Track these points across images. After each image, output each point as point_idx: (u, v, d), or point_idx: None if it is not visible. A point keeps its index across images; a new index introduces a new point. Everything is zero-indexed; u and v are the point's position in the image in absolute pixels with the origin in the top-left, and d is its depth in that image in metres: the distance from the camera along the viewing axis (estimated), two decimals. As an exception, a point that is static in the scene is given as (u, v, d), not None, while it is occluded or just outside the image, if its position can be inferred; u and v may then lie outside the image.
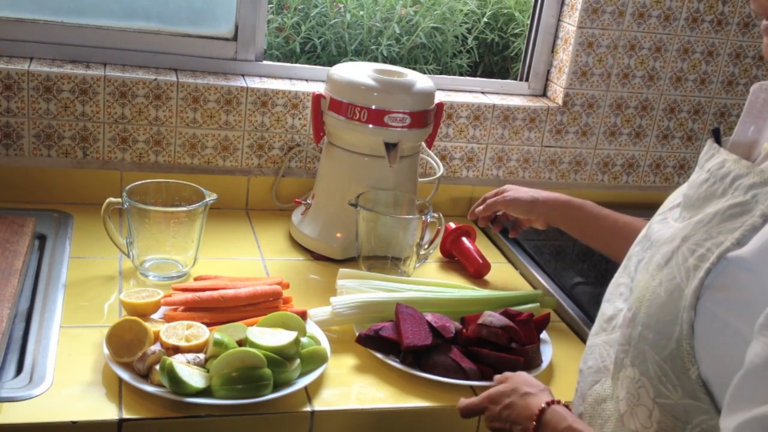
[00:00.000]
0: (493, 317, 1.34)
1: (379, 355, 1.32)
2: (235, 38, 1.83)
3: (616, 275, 1.07)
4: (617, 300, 1.03)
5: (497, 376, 1.16)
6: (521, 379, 1.12)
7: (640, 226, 1.29)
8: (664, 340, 0.89)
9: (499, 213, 1.65)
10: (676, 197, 1.05)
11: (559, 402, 1.04)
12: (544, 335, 1.43)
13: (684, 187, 1.03)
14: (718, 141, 1.01)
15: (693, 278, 0.87)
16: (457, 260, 1.73)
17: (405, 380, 1.30)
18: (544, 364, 1.35)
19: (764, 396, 0.77)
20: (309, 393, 1.23)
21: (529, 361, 1.32)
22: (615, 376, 0.99)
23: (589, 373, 1.05)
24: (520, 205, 1.58)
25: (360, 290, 1.44)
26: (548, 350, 1.39)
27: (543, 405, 1.04)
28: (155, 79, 1.72)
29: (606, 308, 1.05)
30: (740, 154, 0.97)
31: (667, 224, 1.01)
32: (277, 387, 1.18)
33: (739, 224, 0.86)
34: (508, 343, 1.32)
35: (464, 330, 1.36)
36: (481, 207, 1.64)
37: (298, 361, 1.21)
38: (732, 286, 0.84)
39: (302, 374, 1.22)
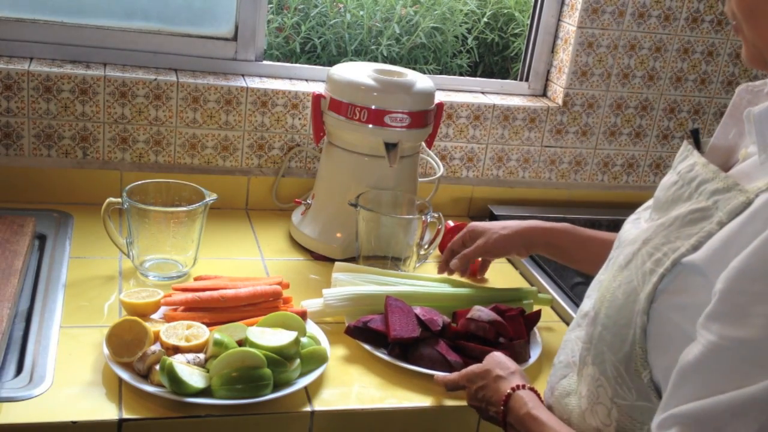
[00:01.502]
0: (481, 312, 1.35)
1: (368, 347, 1.33)
2: (235, 38, 1.83)
3: (599, 272, 1.07)
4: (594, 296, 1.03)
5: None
6: (494, 361, 1.15)
7: None
8: (620, 342, 0.89)
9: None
10: (651, 198, 1.05)
11: (524, 386, 1.07)
12: (534, 331, 1.43)
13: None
14: (697, 141, 1.00)
15: (647, 283, 0.87)
16: (457, 260, 1.73)
17: (392, 372, 1.30)
18: (532, 360, 1.36)
19: (693, 395, 0.78)
20: (309, 393, 1.23)
21: (517, 357, 1.33)
22: (579, 372, 1.00)
23: (560, 367, 1.06)
24: (499, 246, 1.46)
25: (353, 283, 1.45)
26: (537, 346, 1.40)
27: (509, 391, 1.07)
28: (155, 79, 1.72)
29: (585, 304, 1.06)
30: (719, 158, 0.96)
31: (638, 225, 1.01)
32: (277, 387, 1.18)
33: (697, 230, 0.85)
34: (496, 338, 1.33)
35: (453, 324, 1.37)
36: (455, 261, 1.51)
37: (298, 361, 1.21)
38: (685, 291, 0.84)
39: (302, 374, 1.22)
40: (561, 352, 1.08)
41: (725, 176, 0.87)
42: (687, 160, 0.96)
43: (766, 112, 0.86)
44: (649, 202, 1.03)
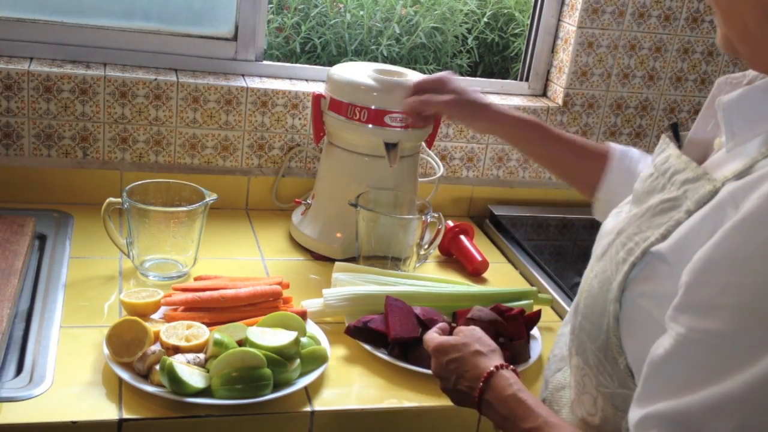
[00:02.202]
0: (481, 312, 1.35)
1: (368, 347, 1.33)
2: (235, 38, 1.83)
3: None
4: None
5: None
6: (474, 335, 1.10)
7: (591, 146, 1.35)
8: (597, 331, 0.90)
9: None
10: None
11: (507, 366, 1.03)
12: (534, 331, 1.43)
13: None
14: (676, 136, 1.00)
15: (619, 272, 0.88)
16: (455, 258, 1.73)
17: (392, 372, 1.30)
18: (532, 360, 1.36)
19: (666, 390, 0.78)
20: (309, 393, 1.23)
21: (516, 356, 1.34)
22: (569, 364, 1.00)
23: (554, 361, 1.07)
24: (462, 112, 1.44)
25: (353, 283, 1.45)
26: (537, 346, 1.40)
27: (492, 368, 1.02)
28: (155, 79, 1.72)
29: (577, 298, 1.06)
30: (696, 150, 0.96)
31: (618, 217, 1.01)
32: (277, 387, 1.18)
33: (667, 219, 0.86)
34: (496, 338, 1.33)
35: (453, 324, 1.37)
36: (415, 99, 1.47)
37: (298, 361, 1.21)
38: (653, 279, 0.85)
39: (302, 374, 1.22)
40: (555, 346, 1.09)
41: (695, 166, 0.88)
42: (663, 153, 0.97)
43: (734, 99, 0.87)
44: (631, 197, 1.04)
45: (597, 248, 0.97)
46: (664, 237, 0.85)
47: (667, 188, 0.90)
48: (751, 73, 0.96)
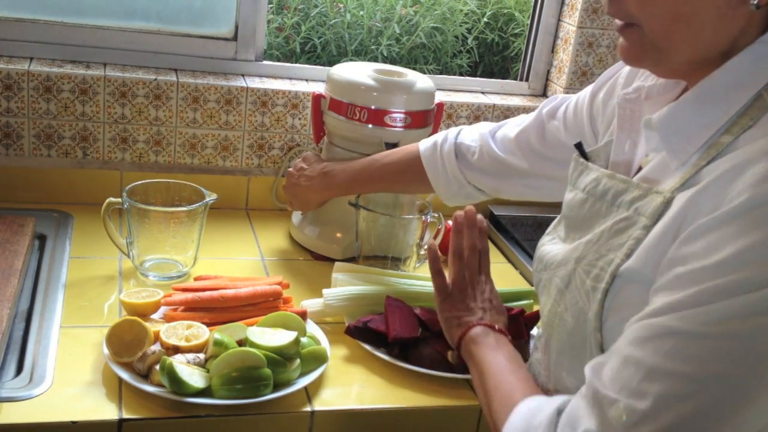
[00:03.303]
0: None
1: (368, 347, 1.33)
2: (235, 38, 1.83)
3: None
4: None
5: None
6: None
7: (405, 162, 1.46)
8: (579, 365, 0.88)
9: None
10: (558, 218, 1.04)
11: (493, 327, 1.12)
12: (534, 331, 1.43)
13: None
14: (584, 155, 1.00)
15: (593, 301, 0.86)
16: (457, 260, 1.72)
17: (392, 372, 1.30)
18: None
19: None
20: (309, 393, 1.23)
21: None
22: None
23: None
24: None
25: (353, 283, 1.45)
26: None
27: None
28: (155, 79, 1.72)
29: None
30: (620, 173, 0.95)
31: (555, 244, 1.00)
32: (277, 387, 1.18)
33: (626, 238, 0.85)
34: None
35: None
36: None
37: (298, 361, 1.22)
38: (629, 302, 0.83)
39: (302, 374, 1.22)
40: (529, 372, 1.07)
41: (637, 184, 0.88)
42: (586, 175, 0.96)
43: (665, 118, 0.86)
44: (557, 221, 1.03)
45: (553, 279, 0.95)
46: (627, 256, 0.84)
47: (613, 212, 0.89)
48: (642, 85, 0.96)
